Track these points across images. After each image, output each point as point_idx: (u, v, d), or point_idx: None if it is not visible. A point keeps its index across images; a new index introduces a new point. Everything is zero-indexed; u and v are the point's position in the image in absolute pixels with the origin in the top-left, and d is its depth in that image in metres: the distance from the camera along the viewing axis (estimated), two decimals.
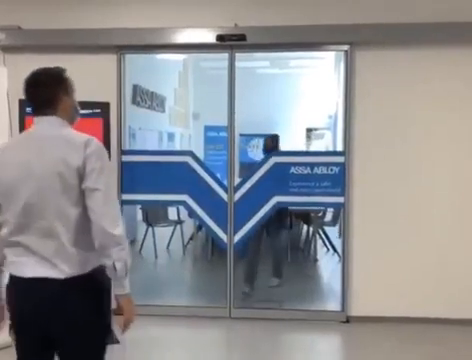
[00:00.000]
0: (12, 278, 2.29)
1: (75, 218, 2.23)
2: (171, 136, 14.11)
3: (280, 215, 5.79)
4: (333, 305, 5.40)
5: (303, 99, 16.18)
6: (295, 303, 5.65)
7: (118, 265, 2.21)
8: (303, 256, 7.86)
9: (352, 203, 5.11)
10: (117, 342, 4.66)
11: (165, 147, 13.43)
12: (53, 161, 2.22)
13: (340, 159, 5.10)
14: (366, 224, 5.11)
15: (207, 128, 15.68)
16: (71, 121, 2.38)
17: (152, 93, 11.91)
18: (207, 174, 5.30)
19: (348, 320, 5.15)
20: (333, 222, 7.79)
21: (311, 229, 7.90)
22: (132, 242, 8.29)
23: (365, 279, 5.13)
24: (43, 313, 2.23)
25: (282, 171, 5.17)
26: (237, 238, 5.25)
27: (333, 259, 6.78)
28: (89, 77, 5.17)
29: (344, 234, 5.15)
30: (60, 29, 5.07)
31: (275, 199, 5.20)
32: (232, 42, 5.02)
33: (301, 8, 5.03)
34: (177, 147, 15.00)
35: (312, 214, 7.59)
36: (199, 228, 8.12)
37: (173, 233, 8.28)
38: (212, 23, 5.03)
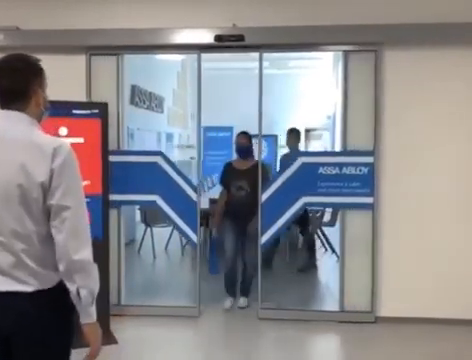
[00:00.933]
0: None
1: (37, 237, 2.00)
2: (170, 136, 14.13)
3: (252, 220, 5.38)
4: (362, 306, 5.21)
5: (302, 99, 16.22)
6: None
7: (82, 292, 1.99)
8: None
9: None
10: (115, 342, 4.67)
11: (164, 147, 13.44)
12: (14, 170, 1.96)
13: (369, 159, 5.05)
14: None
15: (206, 128, 15.70)
16: (39, 119, 2.12)
17: (150, 93, 11.91)
18: (177, 174, 5.29)
19: (376, 320, 5.13)
20: (332, 222, 7.79)
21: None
22: (131, 242, 8.29)
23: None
24: (7, 328, 2.01)
25: (310, 171, 5.13)
26: (265, 239, 5.22)
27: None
28: (87, 77, 5.18)
29: (374, 235, 5.09)
30: (58, 29, 5.05)
31: (303, 200, 5.15)
32: (231, 42, 5.01)
33: (300, 8, 5.02)
34: (175, 147, 15.01)
35: (310, 214, 7.59)
36: None
37: (172, 234, 8.27)
38: (210, 23, 5.02)
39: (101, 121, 4.75)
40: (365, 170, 5.05)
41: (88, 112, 4.75)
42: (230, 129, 15.74)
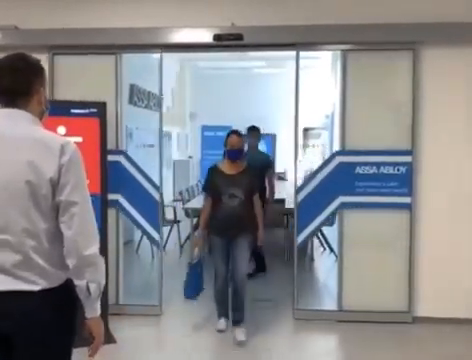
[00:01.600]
0: None
1: (46, 234, 2.02)
2: (168, 135, 14.11)
3: (241, 222, 4.80)
4: (399, 305, 5.20)
5: (300, 99, 16.20)
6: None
7: (92, 286, 2.04)
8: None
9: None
10: (114, 342, 4.69)
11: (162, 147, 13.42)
12: (21, 167, 1.96)
13: (407, 158, 5.04)
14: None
15: (204, 128, 15.72)
16: (41, 117, 2.13)
17: (149, 93, 11.89)
18: (139, 173, 5.29)
19: (414, 321, 5.12)
20: (330, 222, 7.79)
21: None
22: (129, 242, 8.28)
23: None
24: (7, 328, 2.01)
25: (347, 171, 5.11)
26: (301, 239, 5.22)
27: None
28: (86, 76, 5.19)
29: (411, 234, 5.09)
30: (57, 29, 5.06)
31: (340, 199, 5.14)
32: (229, 41, 5.01)
33: (298, 7, 5.03)
34: (174, 146, 15.02)
35: None
36: (195, 228, 8.12)
37: (170, 233, 8.27)
38: (209, 22, 5.02)
39: (99, 120, 4.75)
40: (403, 169, 5.04)
41: (86, 111, 4.75)
42: (229, 128, 15.78)
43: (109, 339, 4.54)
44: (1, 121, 2.05)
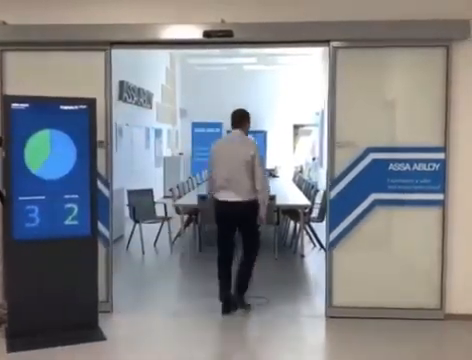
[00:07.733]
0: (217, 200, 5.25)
1: (249, 178, 5.09)
2: (158, 132, 14.09)
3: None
4: (431, 302, 5.14)
5: (291, 95, 16.23)
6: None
7: (262, 198, 5.14)
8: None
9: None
10: (103, 339, 4.68)
11: (152, 143, 13.42)
12: (242, 153, 5.08)
13: (440, 155, 5.02)
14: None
15: (194, 124, 15.69)
16: (246, 134, 5.29)
17: (139, 89, 11.87)
18: None
19: (446, 318, 5.07)
20: (320, 218, 7.82)
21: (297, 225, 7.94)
22: (120, 238, 8.27)
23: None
24: (235, 214, 5.17)
25: (380, 168, 5.09)
26: (333, 236, 5.16)
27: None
28: (76, 73, 5.16)
29: (443, 231, 5.07)
30: (47, 24, 5.01)
31: (372, 197, 5.11)
32: (219, 38, 4.99)
33: (289, 4, 5.03)
34: (164, 143, 15.01)
35: (299, 210, 7.62)
36: (187, 224, 8.13)
37: (160, 230, 8.27)
38: (199, 19, 5.01)
39: (89, 117, 4.73)
40: (436, 166, 5.02)
41: (76, 108, 4.73)
42: (219, 125, 15.78)
43: (98, 336, 4.53)
44: (234, 135, 5.27)
